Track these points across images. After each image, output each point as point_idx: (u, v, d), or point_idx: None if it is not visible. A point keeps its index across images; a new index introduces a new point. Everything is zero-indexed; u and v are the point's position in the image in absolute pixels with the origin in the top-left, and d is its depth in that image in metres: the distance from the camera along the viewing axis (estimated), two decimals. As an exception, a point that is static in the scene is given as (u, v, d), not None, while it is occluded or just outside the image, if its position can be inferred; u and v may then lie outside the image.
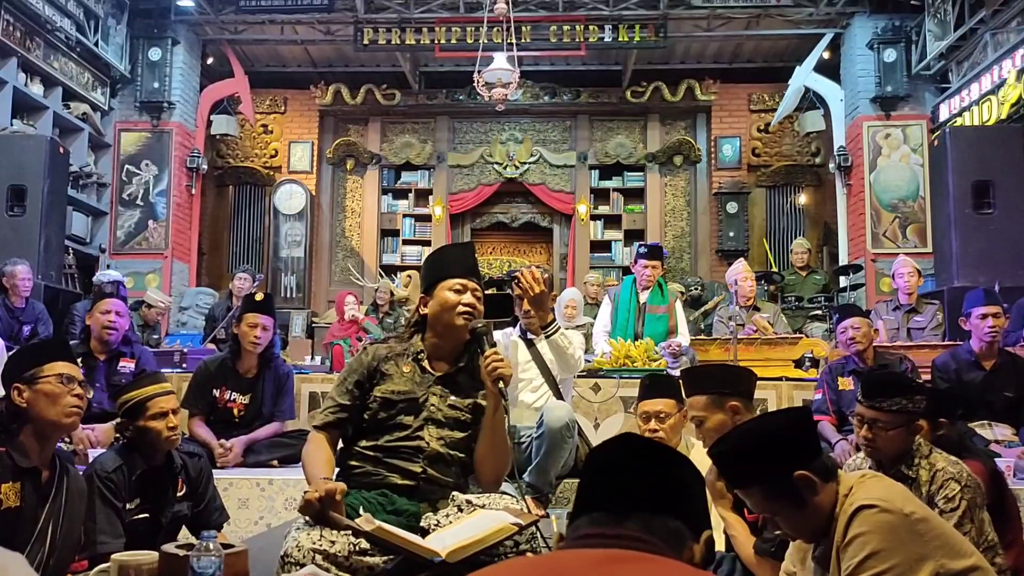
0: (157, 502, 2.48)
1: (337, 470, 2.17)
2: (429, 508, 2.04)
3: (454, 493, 2.04)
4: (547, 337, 3.20)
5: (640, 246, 5.45)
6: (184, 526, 2.59)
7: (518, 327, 3.50)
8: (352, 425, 2.15)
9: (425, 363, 2.17)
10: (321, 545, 1.81)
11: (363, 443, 2.12)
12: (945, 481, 2.19)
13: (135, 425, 2.44)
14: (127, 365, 3.97)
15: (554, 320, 3.21)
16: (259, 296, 3.94)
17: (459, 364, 2.19)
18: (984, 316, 3.84)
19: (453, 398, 2.15)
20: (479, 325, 2.16)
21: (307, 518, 1.88)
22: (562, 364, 3.28)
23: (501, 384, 2.04)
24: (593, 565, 0.86)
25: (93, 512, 2.26)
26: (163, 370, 4.45)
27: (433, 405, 2.13)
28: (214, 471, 2.93)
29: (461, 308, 2.14)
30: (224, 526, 2.69)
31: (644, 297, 5.11)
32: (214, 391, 3.82)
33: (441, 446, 2.10)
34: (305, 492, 1.89)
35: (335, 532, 1.83)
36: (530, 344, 3.41)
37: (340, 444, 2.19)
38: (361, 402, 2.14)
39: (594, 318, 5.64)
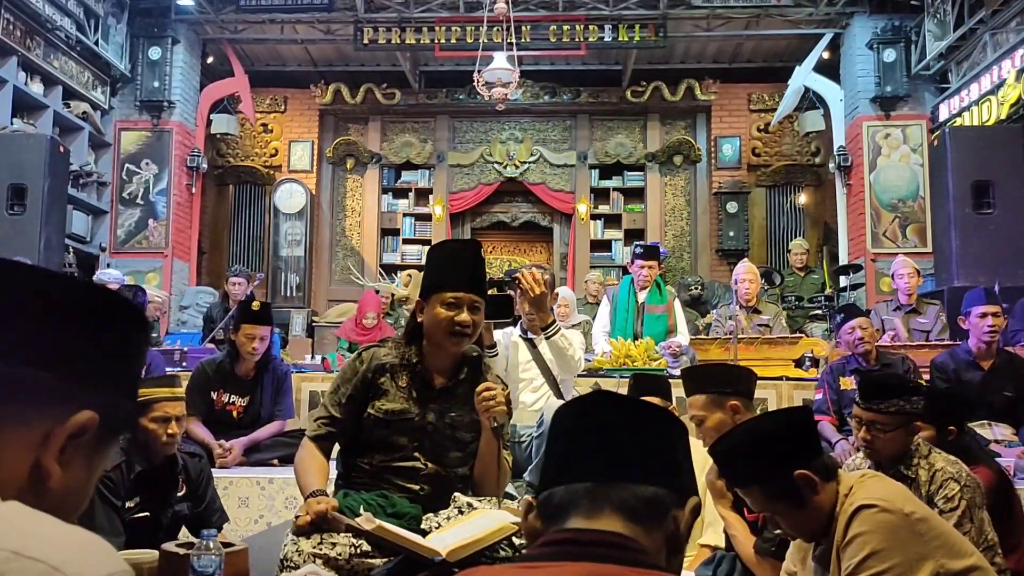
0: (157, 501, 2.47)
1: (338, 473, 2.16)
2: (429, 511, 2.02)
3: (455, 495, 2.02)
4: (547, 338, 3.19)
5: (637, 246, 5.44)
6: (184, 526, 2.59)
7: (519, 326, 3.49)
8: (348, 436, 2.09)
9: (423, 375, 2.08)
10: (322, 549, 1.79)
11: (360, 459, 2.07)
12: (944, 481, 2.19)
13: None
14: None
15: (554, 321, 3.21)
16: (256, 305, 3.85)
17: (459, 376, 2.11)
18: (983, 315, 3.84)
19: (452, 414, 2.08)
20: (473, 353, 2.11)
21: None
22: (562, 365, 3.27)
23: (495, 423, 2.00)
24: None
25: (92, 510, 2.24)
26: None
27: (430, 424, 2.05)
28: (214, 471, 2.93)
29: (454, 329, 2.00)
30: (224, 527, 2.68)
31: (642, 297, 5.12)
32: (212, 394, 3.80)
33: (438, 467, 2.05)
34: (296, 516, 1.87)
35: (336, 535, 1.82)
36: (531, 344, 3.40)
37: (339, 448, 2.16)
38: (355, 415, 2.06)
39: (593, 317, 5.64)
